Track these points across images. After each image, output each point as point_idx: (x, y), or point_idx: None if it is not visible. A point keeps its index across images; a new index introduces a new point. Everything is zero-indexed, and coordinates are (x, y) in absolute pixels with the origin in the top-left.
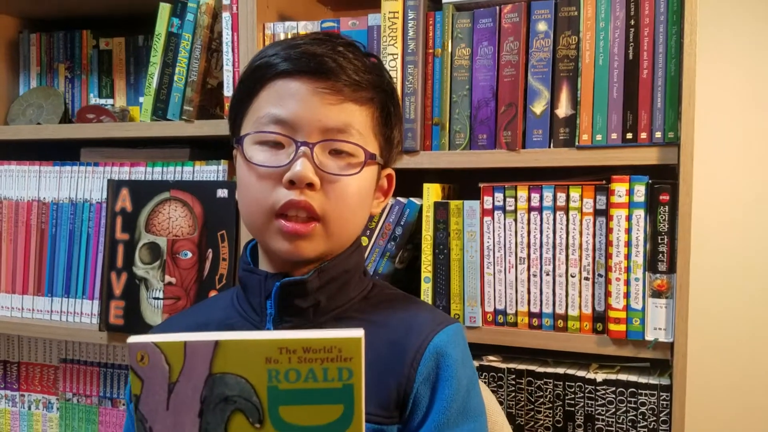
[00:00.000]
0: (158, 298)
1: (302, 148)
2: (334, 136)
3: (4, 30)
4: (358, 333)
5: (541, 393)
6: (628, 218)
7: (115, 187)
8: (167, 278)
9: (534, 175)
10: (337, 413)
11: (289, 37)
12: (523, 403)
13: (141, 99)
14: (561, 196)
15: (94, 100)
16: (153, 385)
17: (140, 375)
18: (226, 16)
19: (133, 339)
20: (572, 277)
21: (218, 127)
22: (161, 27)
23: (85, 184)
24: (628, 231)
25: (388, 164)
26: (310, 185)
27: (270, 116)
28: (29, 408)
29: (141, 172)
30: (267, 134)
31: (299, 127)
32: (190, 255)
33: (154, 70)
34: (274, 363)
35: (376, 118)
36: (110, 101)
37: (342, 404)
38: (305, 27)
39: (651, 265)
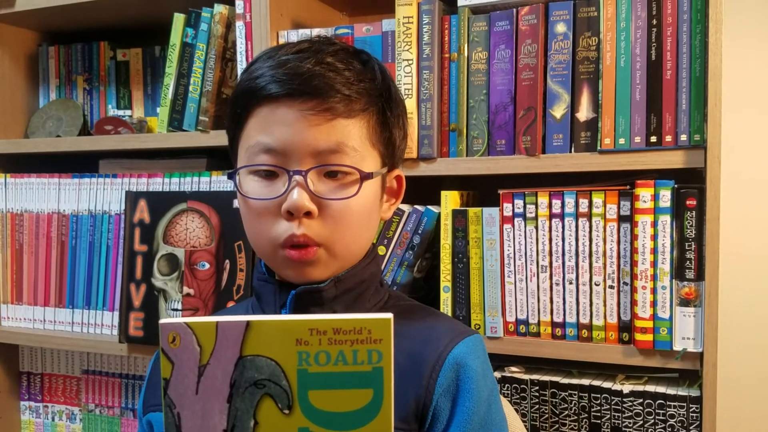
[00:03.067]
0: (177, 310)
1: (295, 177)
2: (326, 159)
3: (23, 43)
4: (388, 315)
5: (566, 405)
6: (654, 224)
7: (132, 198)
8: (185, 289)
9: (555, 181)
10: (367, 399)
11: None
12: (547, 415)
13: (158, 109)
14: (583, 202)
15: (112, 111)
16: (183, 368)
17: (171, 357)
18: (239, 25)
19: (165, 320)
20: (596, 285)
21: None
22: (176, 37)
23: (104, 195)
24: (654, 237)
25: (395, 166)
26: (308, 213)
27: (260, 145)
28: (53, 419)
29: (158, 183)
30: (259, 167)
31: (290, 154)
32: (207, 266)
33: (170, 80)
34: (305, 345)
35: (372, 126)
36: (128, 112)
37: (371, 389)
38: (319, 34)
39: (678, 273)
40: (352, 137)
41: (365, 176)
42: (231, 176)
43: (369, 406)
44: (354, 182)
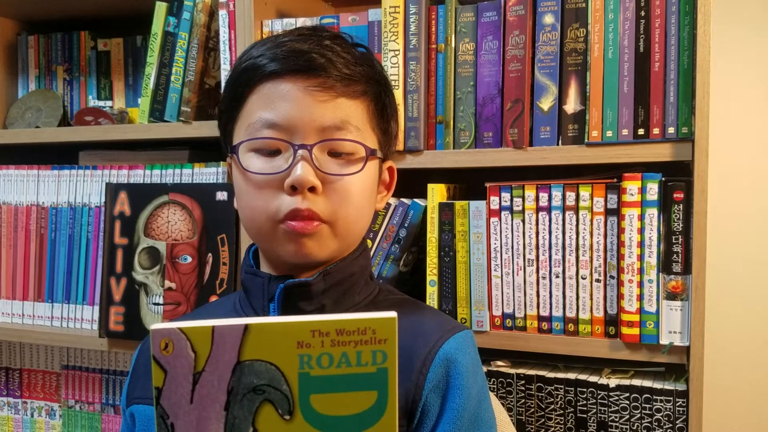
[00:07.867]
0: (158, 304)
1: (300, 152)
2: (331, 134)
3: (2, 33)
4: (392, 314)
5: (552, 399)
6: (641, 217)
7: (113, 190)
8: (167, 283)
9: (542, 174)
10: (371, 401)
11: None
12: (533, 409)
13: (139, 100)
14: (570, 195)
15: (93, 102)
16: (177, 376)
17: (163, 365)
18: (222, 13)
19: (156, 326)
20: (583, 279)
21: (216, 128)
22: (157, 26)
23: (83, 187)
24: (641, 231)
25: (388, 157)
26: (312, 189)
27: (263, 121)
28: (32, 415)
29: (139, 175)
30: (262, 140)
31: (294, 129)
32: (189, 259)
33: (151, 70)
34: (306, 347)
35: (371, 111)
36: (109, 103)
37: (376, 390)
38: (304, 24)
39: (665, 266)
40: (355, 117)
41: (370, 152)
42: (233, 150)
43: (373, 409)
44: (358, 160)
